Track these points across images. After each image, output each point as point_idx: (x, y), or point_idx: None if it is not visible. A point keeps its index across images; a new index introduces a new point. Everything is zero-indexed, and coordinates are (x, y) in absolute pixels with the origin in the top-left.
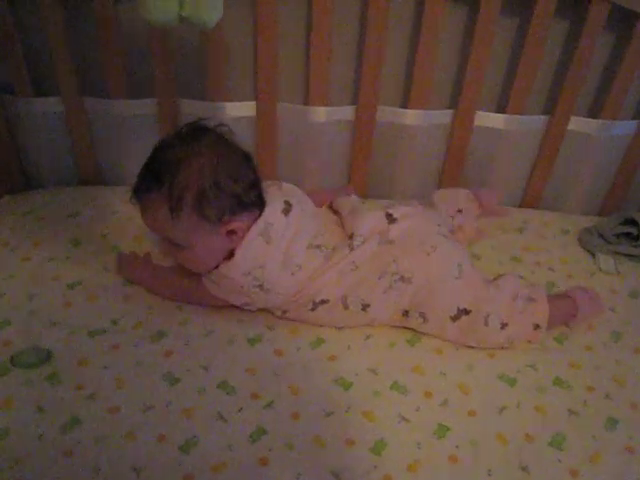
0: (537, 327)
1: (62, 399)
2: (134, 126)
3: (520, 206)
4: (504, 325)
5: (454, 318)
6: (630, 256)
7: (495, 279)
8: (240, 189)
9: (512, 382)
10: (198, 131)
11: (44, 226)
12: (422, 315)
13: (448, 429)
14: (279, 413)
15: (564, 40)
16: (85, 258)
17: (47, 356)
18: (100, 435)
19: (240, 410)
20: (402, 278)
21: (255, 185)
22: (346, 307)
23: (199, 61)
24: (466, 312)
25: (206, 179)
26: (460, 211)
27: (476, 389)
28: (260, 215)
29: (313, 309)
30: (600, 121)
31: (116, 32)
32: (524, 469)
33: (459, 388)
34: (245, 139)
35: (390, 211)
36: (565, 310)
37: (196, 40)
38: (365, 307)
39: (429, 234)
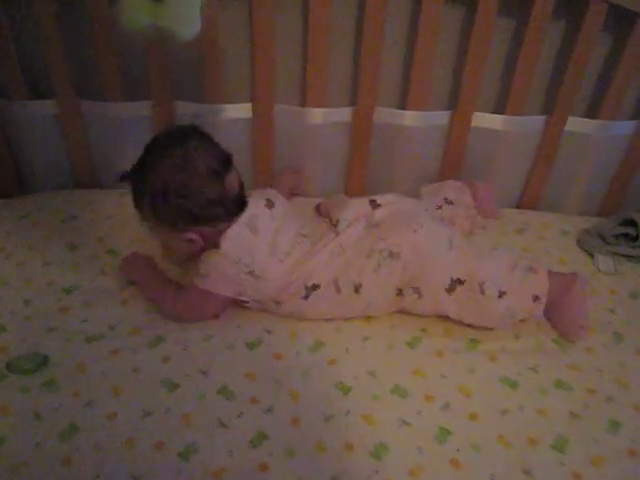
0: (537, 299)
1: (59, 406)
2: (130, 128)
3: (519, 207)
4: (502, 293)
5: (449, 290)
6: (629, 257)
7: (491, 249)
8: (191, 205)
9: (513, 385)
10: (176, 137)
11: (39, 230)
12: (416, 291)
13: (449, 433)
14: (279, 418)
15: (562, 40)
16: (81, 262)
17: (44, 362)
18: (98, 442)
19: (240, 415)
20: (390, 254)
21: (218, 201)
22: (338, 290)
23: (195, 63)
24: (460, 282)
25: (157, 190)
26: (450, 202)
27: (477, 392)
28: (229, 225)
29: (306, 297)
30: (599, 121)
31: (111, 34)
32: (527, 473)
33: (460, 391)
34: (241, 141)
35: (374, 198)
36: (563, 283)
37: (192, 42)
38: (357, 288)
39: (415, 215)
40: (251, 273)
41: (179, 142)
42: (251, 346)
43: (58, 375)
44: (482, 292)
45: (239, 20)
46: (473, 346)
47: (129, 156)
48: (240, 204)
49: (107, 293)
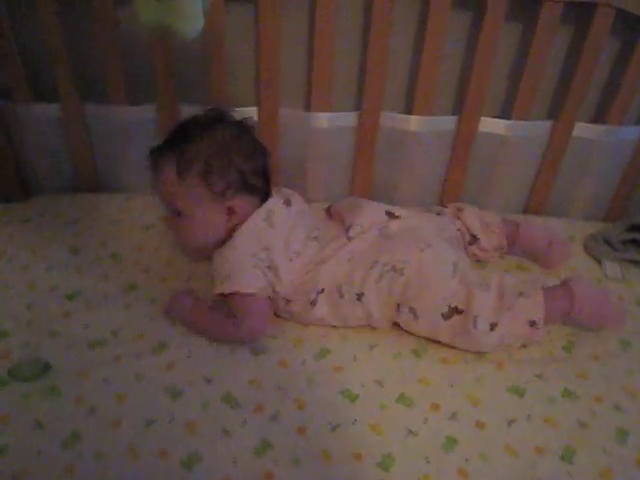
0: (534, 324)
1: (61, 413)
2: (134, 132)
3: (524, 213)
4: (493, 325)
5: (446, 316)
6: (637, 263)
7: (489, 282)
8: (248, 169)
9: (521, 393)
10: (223, 115)
11: (42, 234)
12: (412, 311)
13: (457, 442)
14: (284, 426)
15: (569, 44)
16: (84, 267)
17: (45, 368)
18: (101, 451)
19: (244, 423)
20: (394, 268)
21: (263, 173)
22: (341, 296)
23: (200, 66)
24: (458, 311)
25: (217, 150)
26: (474, 238)
27: (485, 401)
28: (262, 204)
29: (314, 301)
30: (605, 126)
31: (116, 37)
32: None
33: (467, 400)
34: None
35: (392, 209)
36: (562, 301)
37: (197, 45)
38: (360, 296)
39: (427, 234)
40: (269, 267)
41: (222, 118)
42: (256, 353)
43: (60, 382)
44: (475, 326)
45: (245, 23)
46: (480, 355)
47: (133, 160)
48: (267, 192)
49: (110, 298)
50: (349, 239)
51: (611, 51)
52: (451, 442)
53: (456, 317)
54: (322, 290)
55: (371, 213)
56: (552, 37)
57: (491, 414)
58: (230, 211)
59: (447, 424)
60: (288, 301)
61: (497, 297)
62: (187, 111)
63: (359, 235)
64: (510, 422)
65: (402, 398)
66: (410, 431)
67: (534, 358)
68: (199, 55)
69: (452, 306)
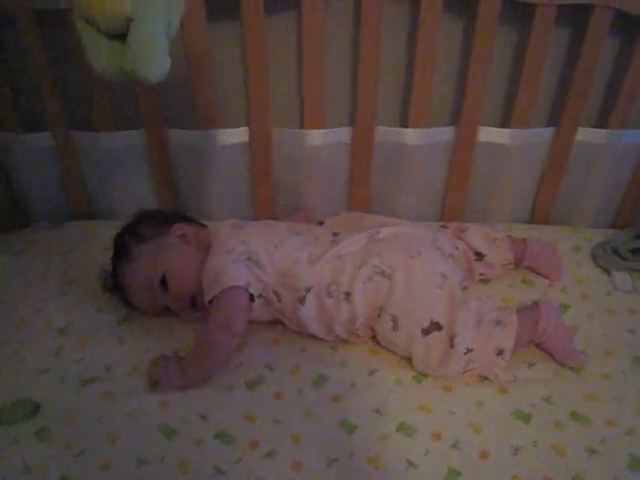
0: (500, 353)
1: (51, 457)
2: (123, 158)
3: (529, 222)
4: (469, 350)
5: (425, 332)
6: None
7: (465, 297)
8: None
9: (527, 418)
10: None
11: (36, 266)
12: (393, 319)
13: (459, 474)
14: (279, 463)
15: (567, 49)
16: (77, 300)
17: (36, 409)
18: None
19: (239, 461)
20: (382, 272)
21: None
22: (330, 295)
23: (187, 89)
24: (438, 327)
25: (130, 227)
26: (480, 255)
27: (488, 428)
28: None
29: (302, 300)
30: (608, 131)
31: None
32: None
33: (470, 427)
34: (238, 167)
35: (387, 222)
36: (529, 324)
37: (183, 67)
38: (347, 295)
39: (419, 241)
40: (249, 259)
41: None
42: (251, 386)
43: (50, 423)
44: (452, 345)
45: (231, 43)
46: (482, 378)
47: (124, 185)
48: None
49: (103, 331)
50: (335, 242)
51: (611, 53)
52: (454, 474)
53: (435, 334)
54: (310, 288)
55: (364, 222)
56: (547, 42)
57: (495, 442)
58: (183, 237)
59: (449, 454)
60: (279, 298)
61: (475, 323)
62: (175, 135)
63: (347, 237)
64: (516, 450)
65: (402, 427)
66: (411, 463)
67: (540, 379)
68: (186, 77)
69: (434, 321)
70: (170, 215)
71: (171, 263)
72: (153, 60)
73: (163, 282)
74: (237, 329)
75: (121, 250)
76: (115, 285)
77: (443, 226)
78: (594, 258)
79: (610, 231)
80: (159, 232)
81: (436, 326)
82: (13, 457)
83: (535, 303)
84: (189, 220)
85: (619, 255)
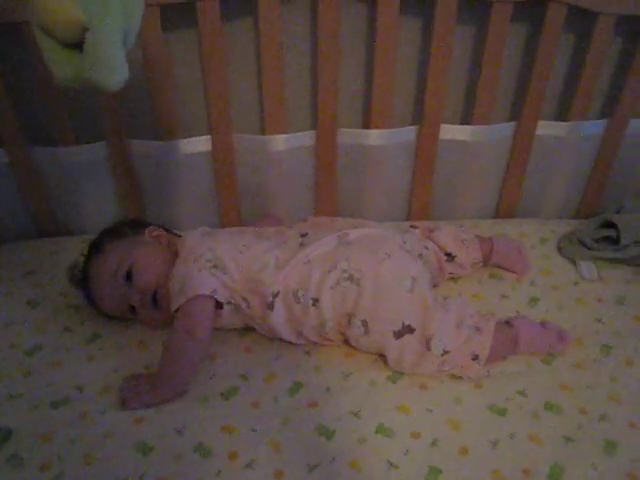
0: (475, 358)
1: None
2: (86, 171)
3: (495, 217)
4: (445, 352)
5: (397, 334)
6: (612, 260)
7: (444, 299)
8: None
9: (503, 412)
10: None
11: (0, 288)
12: (364, 324)
13: (440, 472)
14: (260, 473)
15: (525, 43)
16: (44, 320)
17: (6, 436)
18: None
19: (218, 474)
20: (350, 277)
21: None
22: (297, 301)
23: (147, 99)
24: (410, 330)
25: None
26: (450, 256)
27: (466, 424)
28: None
29: (270, 305)
30: (568, 123)
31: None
32: None
33: (448, 424)
34: (203, 175)
35: (356, 223)
36: (508, 340)
37: (142, 77)
38: (315, 301)
39: (387, 243)
40: (215, 267)
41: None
42: (226, 396)
43: (23, 448)
44: (428, 348)
45: (188, 51)
46: (457, 375)
47: (88, 199)
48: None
49: (73, 351)
50: (303, 245)
51: (567, 46)
52: (435, 472)
53: (407, 337)
54: (277, 293)
55: (333, 227)
56: (505, 38)
57: (474, 437)
58: (157, 238)
59: (429, 453)
60: (248, 304)
61: (455, 325)
62: (137, 146)
63: (315, 241)
64: (494, 444)
65: (381, 429)
66: (391, 464)
67: (513, 373)
68: (145, 87)
69: (406, 324)
70: (150, 223)
71: (139, 257)
72: (110, 68)
73: (129, 276)
74: (201, 336)
75: (95, 245)
76: (82, 279)
77: (412, 226)
78: (560, 249)
79: (575, 221)
80: (134, 232)
81: (408, 329)
82: None
83: (509, 322)
84: (167, 229)
85: (584, 245)
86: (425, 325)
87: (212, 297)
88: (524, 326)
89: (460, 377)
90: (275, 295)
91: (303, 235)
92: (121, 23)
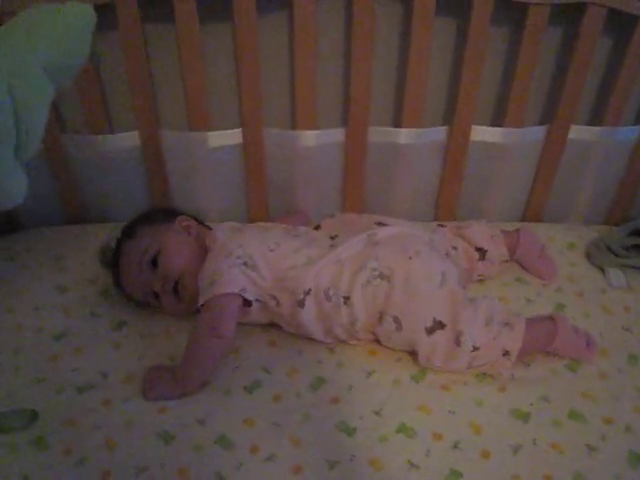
0: (506, 354)
1: (49, 466)
2: (117, 161)
3: (522, 220)
4: (475, 349)
5: (429, 330)
6: None
7: (473, 298)
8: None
9: (526, 417)
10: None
11: (28, 273)
12: (396, 320)
13: (461, 475)
14: (280, 467)
15: (561, 47)
16: (72, 306)
17: (33, 417)
18: None
19: (239, 466)
20: (381, 275)
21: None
22: (328, 299)
23: (180, 90)
24: (441, 325)
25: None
26: (482, 251)
27: (488, 427)
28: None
29: (301, 303)
30: (601, 128)
31: (93, 66)
32: None
33: (470, 427)
34: (232, 169)
35: (383, 220)
36: (544, 335)
37: (176, 69)
38: (346, 300)
39: (416, 241)
40: (245, 264)
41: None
42: (250, 389)
43: (48, 431)
44: (458, 343)
45: (223, 45)
46: (481, 378)
47: (118, 188)
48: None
49: (99, 337)
50: (334, 246)
51: (604, 51)
52: (456, 475)
53: (439, 332)
54: (309, 291)
55: (360, 223)
56: (540, 41)
57: (495, 441)
58: (187, 229)
59: (450, 455)
60: (277, 301)
61: (484, 322)
62: (169, 137)
63: (345, 241)
64: (516, 449)
65: (403, 428)
66: (412, 464)
67: (537, 378)
68: (178, 78)
69: (437, 319)
70: (182, 212)
71: (166, 244)
72: (3, 189)
73: (154, 262)
74: (225, 333)
75: (127, 229)
76: (112, 262)
77: (440, 225)
78: (588, 256)
79: (604, 228)
80: (167, 219)
81: (439, 325)
82: (11, 466)
83: (551, 317)
84: (198, 221)
85: (613, 252)
86: (455, 321)
87: (240, 295)
88: (565, 323)
89: (484, 379)
90: (307, 293)
91: (333, 237)
92: (12, 136)
